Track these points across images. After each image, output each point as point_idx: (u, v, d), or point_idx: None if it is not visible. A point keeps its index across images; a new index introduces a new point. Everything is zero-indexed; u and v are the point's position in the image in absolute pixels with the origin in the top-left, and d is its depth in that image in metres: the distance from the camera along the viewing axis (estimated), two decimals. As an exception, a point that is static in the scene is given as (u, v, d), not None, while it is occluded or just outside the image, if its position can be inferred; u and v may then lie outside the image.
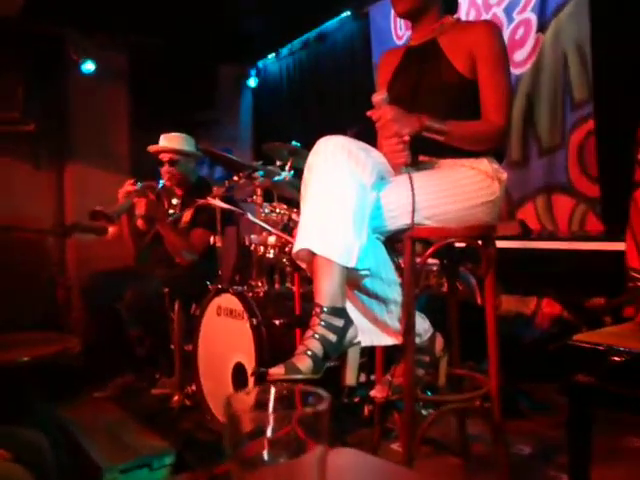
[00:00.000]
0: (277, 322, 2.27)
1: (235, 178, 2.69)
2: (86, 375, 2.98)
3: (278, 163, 2.79)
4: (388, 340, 1.73)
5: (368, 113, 1.60)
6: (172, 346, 2.80)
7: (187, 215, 3.13)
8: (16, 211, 4.41)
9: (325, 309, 1.46)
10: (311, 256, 1.50)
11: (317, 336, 1.44)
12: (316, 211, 1.49)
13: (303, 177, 1.60)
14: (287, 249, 2.46)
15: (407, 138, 1.58)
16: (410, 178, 1.58)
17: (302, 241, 1.49)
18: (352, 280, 1.62)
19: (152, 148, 3.23)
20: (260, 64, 5.60)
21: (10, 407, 2.23)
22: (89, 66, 4.58)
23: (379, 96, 1.59)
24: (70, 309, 4.40)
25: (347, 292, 1.61)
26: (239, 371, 2.34)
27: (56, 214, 4.64)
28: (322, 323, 1.45)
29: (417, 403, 1.72)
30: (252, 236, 2.53)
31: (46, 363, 2.22)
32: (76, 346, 2.32)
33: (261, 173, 2.59)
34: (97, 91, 4.67)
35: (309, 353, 1.42)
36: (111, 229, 2.85)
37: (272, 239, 2.48)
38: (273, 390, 0.55)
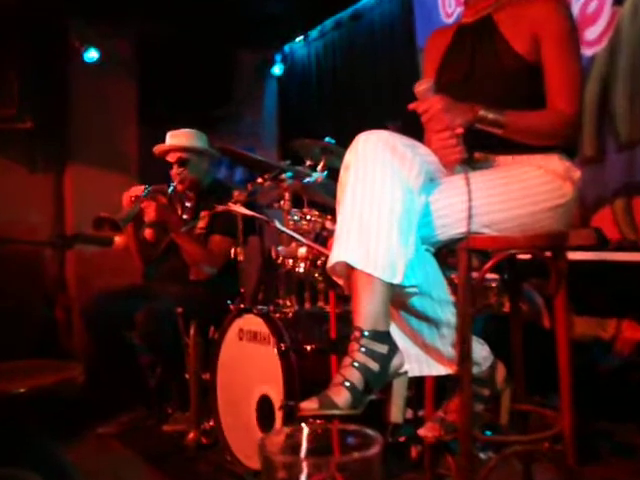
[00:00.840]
0: (309, 348, 2.27)
1: (259, 180, 2.71)
2: (90, 408, 3.02)
3: (308, 163, 2.81)
4: (440, 369, 1.72)
5: (411, 105, 1.60)
6: (187, 375, 2.82)
7: (203, 222, 3.16)
8: (8, 220, 4.49)
9: (366, 333, 1.46)
10: (349, 271, 1.50)
11: (357, 365, 1.44)
12: (355, 218, 1.50)
13: (339, 178, 1.60)
14: (320, 262, 2.47)
15: (460, 131, 1.58)
16: (466, 178, 1.57)
17: (338, 253, 1.50)
18: (398, 299, 1.61)
19: (158, 149, 3.28)
20: (286, 49, 5.63)
21: (3, 445, 2.27)
22: (92, 54, 4.66)
23: (423, 86, 1.59)
24: (70, 333, 4.47)
25: (392, 313, 1.61)
26: (265, 405, 2.35)
27: (54, 223, 4.72)
28: (362, 349, 1.45)
29: (475, 444, 1.69)
30: (279, 247, 2.54)
31: (45, 395, 2.25)
32: (79, 375, 2.35)
33: (289, 174, 2.60)
34: (101, 84, 4.74)
35: (347, 384, 1.42)
36: (117, 239, 2.91)
37: (302, 251, 2.49)
38: (306, 429, 0.55)
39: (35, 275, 4.57)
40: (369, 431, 0.52)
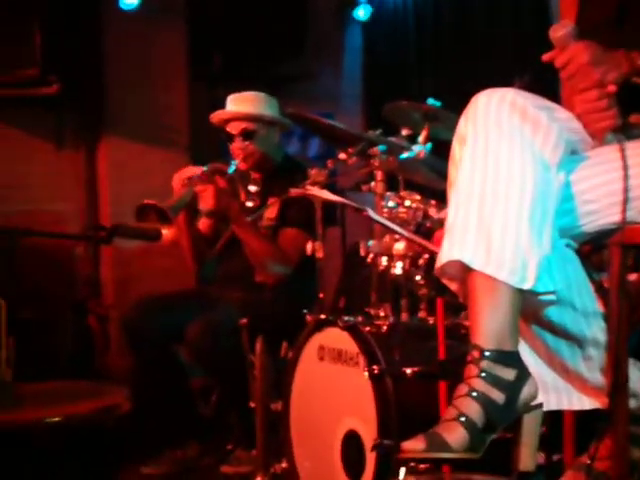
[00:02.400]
0: (409, 371, 2.25)
1: (341, 156, 2.72)
2: (133, 442, 3.11)
3: (406, 132, 2.79)
4: (584, 402, 1.70)
5: (546, 56, 1.58)
6: (252, 404, 2.86)
7: (271, 210, 3.20)
8: (30, 208, 4.65)
9: (487, 354, 1.46)
10: (465, 272, 1.51)
11: (475, 394, 1.44)
12: (472, 204, 1.50)
13: (451, 152, 1.60)
14: (422, 261, 2.46)
15: (613, 88, 1.56)
16: (620, 150, 1.54)
17: (451, 250, 1.50)
18: (529, 310, 1.59)
19: (217, 116, 3.32)
20: (374, -15, 5.63)
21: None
22: (131, -2, 4.75)
23: (561, 30, 1.57)
24: (107, 347, 4.61)
25: (521, 328, 1.59)
26: (352, 444, 2.35)
27: (86, 212, 4.86)
28: (483, 375, 1.45)
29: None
30: (370, 242, 2.54)
31: (83, 425, 2.35)
32: (123, 402, 2.44)
33: (382, 147, 2.60)
34: (142, 35, 4.81)
35: (463, 420, 1.43)
36: (166, 232, 2.97)
37: (399, 246, 2.48)
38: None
39: (63, 276, 4.70)
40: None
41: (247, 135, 3.24)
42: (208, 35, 4.91)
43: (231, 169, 3.17)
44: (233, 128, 3.27)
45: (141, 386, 3.15)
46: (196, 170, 3.06)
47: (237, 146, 3.25)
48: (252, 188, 3.30)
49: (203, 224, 3.31)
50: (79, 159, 4.88)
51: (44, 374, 3.20)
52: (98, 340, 4.53)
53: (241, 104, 3.29)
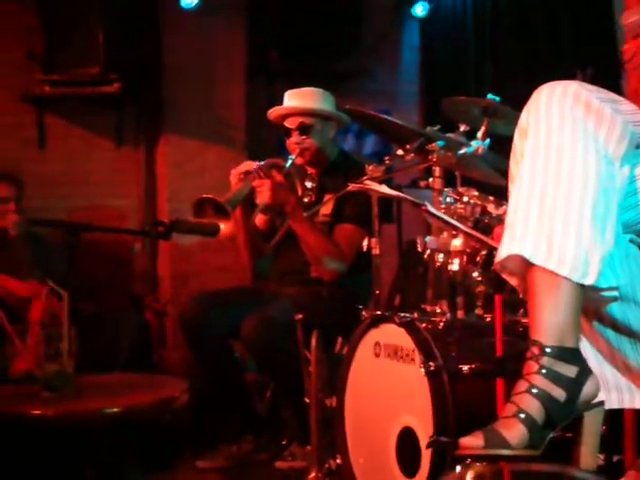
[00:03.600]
0: (466, 368, 2.24)
1: (399, 152, 2.71)
2: (189, 436, 3.14)
3: (464, 128, 2.77)
4: (648, 401, 1.66)
5: (627, 48, 1.55)
6: (306, 400, 2.86)
7: (327, 206, 3.20)
8: (90, 204, 4.78)
9: (548, 350, 1.45)
10: (525, 268, 1.49)
11: (535, 391, 1.43)
12: (534, 198, 1.48)
13: (512, 147, 1.59)
14: (480, 258, 2.44)
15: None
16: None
17: (511, 244, 1.49)
18: (590, 306, 1.58)
19: (274, 112, 3.34)
20: (432, -18, 5.59)
21: (91, 474, 2.42)
22: (191, -2, 4.78)
23: (634, 16, 1.54)
24: (163, 342, 4.67)
25: (583, 324, 1.57)
26: (408, 440, 2.34)
27: (144, 208, 4.97)
28: (543, 371, 1.44)
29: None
30: (427, 238, 2.52)
31: (141, 416, 2.37)
32: (182, 394, 2.46)
33: (440, 143, 2.58)
34: (202, 34, 4.87)
35: (522, 417, 1.42)
36: (224, 227, 2.97)
37: (457, 242, 2.47)
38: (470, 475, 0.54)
39: (122, 271, 4.80)
40: (577, 472, 0.51)
41: (304, 129, 3.25)
42: (266, 32, 4.95)
43: (288, 163, 3.18)
44: (290, 123, 3.28)
45: (197, 381, 3.18)
46: (253, 165, 3.07)
47: (294, 140, 3.26)
48: (308, 184, 3.32)
49: (259, 219, 3.32)
50: (138, 157, 4.98)
51: (104, 366, 3.25)
52: (155, 334, 4.59)
53: (298, 99, 3.31)
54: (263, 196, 3.01)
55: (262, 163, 3.09)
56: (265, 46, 4.96)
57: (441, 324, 2.44)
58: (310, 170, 3.36)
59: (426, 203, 2.35)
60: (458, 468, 1.48)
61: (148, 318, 4.63)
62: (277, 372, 3.10)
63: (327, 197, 3.20)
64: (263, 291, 3.31)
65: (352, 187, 2.63)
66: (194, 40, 4.87)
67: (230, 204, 2.82)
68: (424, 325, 2.38)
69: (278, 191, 3.01)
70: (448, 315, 2.52)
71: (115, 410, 2.34)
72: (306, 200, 3.31)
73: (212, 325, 3.15)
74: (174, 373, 4.20)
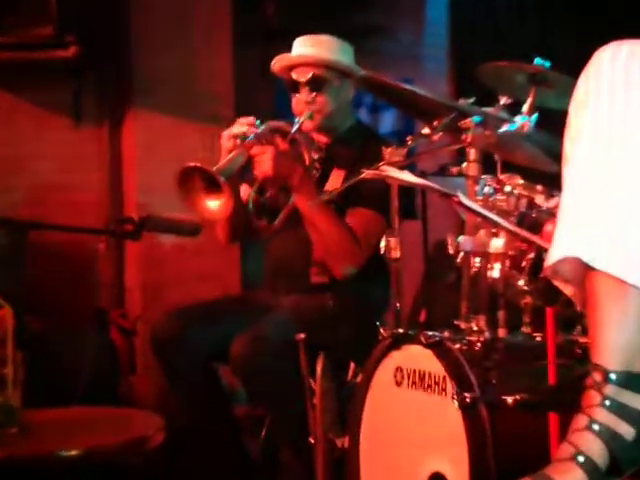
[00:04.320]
0: (510, 400, 2.21)
1: (424, 131, 2.70)
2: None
3: (505, 101, 2.76)
4: None
5: None
6: (311, 439, 2.86)
7: (334, 182, 3.14)
8: (43, 196, 4.76)
9: (613, 376, 1.45)
10: (583, 273, 1.50)
11: (597, 428, 1.44)
12: (594, 189, 1.49)
13: (567, 124, 1.58)
14: (526, 262, 2.43)
15: None
16: None
17: (565, 244, 1.50)
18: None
19: (279, 62, 3.26)
20: None
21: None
22: None
23: None
24: (133, 366, 4.66)
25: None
26: (438, 490, 2.34)
27: (109, 201, 4.95)
28: (607, 403, 1.44)
29: None
30: (460, 238, 2.51)
31: (107, 460, 2.36)
32: (156, 433, 2.45)
33: (476, 120, 2.57)
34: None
35: (581, 460, 1.42)
36: (215, 205, 2.89)
37: (498, 243, 2.46)
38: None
39: (81, 280, 4.79)
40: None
41: (317, 84, 3.20)
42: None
43: (295, 127, 3.14)
44: (299, 75, 3.22)
45: (175, 414, 3.17)
46: (250, 126, 3.03)
47: (303, 98, 3.21)
48: (314, 155, 3.28)
49: (246, 194, 3.21)
50: (101, 137, 4.97)
51: (59, 398, 3.24)
52: (122, 358, 4.58)
53: (311, 47, 3.26)
54: (263, 167, 2.96)
55: (263, 125, 3.05)
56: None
57: (478, 345, 2.42)
58: (318, 138, 3.34)
59: (459, 194, 2.34)
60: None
61: (113, 337, 4.63)
62: (274, 405, 3.09)
63: (336, 173, 3.19)
64: (254, 302, 3.31)
65: (367, 174, 2.61)
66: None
67: (223, 175, 2.78)
68: (457, 346, 2.38)
69: (281, 161, 2.97)
70: (487, 334, 2.49)
71: (72, 453, 2.33)
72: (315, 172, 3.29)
73: (192, 347, 3.14)
74: (146, 406, 4.20)
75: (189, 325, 3.17)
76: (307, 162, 3.24)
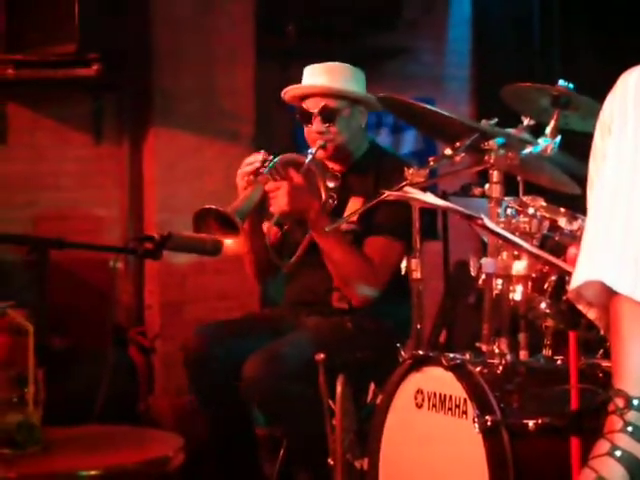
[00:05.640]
0: (532, 424, 2.22)
1: (446, 152, 2.71)
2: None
3: (527, 122, 2.76)
4: None
5: None
6: (330, 461, 2.85)
7: (352, 211, 3.15)
8: (63, 213, 4.79)
9: (635, 402, 1.45)
10: (607, 297, 1.50)
11: (619, 454, 1.44)
12: (620, 213, 1.49)
13: (592, 146, 1.57)
14: (548, 285, 2.43)
15: None
16: None
17: (589, 268, 1.50)
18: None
19: (291, 91, 3.29)
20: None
21: None
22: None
23: None
24: (152, 386, 4.66)
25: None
26: (458, 513, 2.34)
27: (129, 219, 4.97)
28: (629, 429, 1.45)
29: None
30: (483, 260, 2.51)
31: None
32: (177, 454, 2.45)
33: (499, 141, 2.58)
34: (201, 3, 4.86)
35: (602, 487, 1.42)
36: (231, 243, 2.95)
37: (520, 266, 2.46)
38: None
39: (100, 298, 4.75)
40: None
41: (328, 115, 3.21)
42: (280, 1, 4.96)
43: (308, 158, 3.15)
44: (311, 106, 3.24)
45: (197, 434, 3.17)
46: (260, 160, 3.05)
47: (315, 129, 3.22)
48: (329, 184, 3.27)
49: (270, 231, 3.26)
50: (121, 155, 4.99)
51: (78, 416, 3.24)
52: (141, 376, 4.58)
53: (322, 75, 3.26)
54: (279, 203, 2.99)
55: (276, 159, 3.06)
56: (279, 19, 4.96)
57: (500, 368, 2.41)
58: (332, 166, 3.34)
59: (483, 216, 2.35)
60: None
61: (132, 356, 4.63)
62: (290, 426, 3.08)
63: (353, 200, 3.20)
64: (275, 320, 3.30)
65: (388, 194, 2.61)
66: (191, 12, 4.86)
67: (239, 215, 2.81)
68: (478, 369, 2.37)
69: (297, 196, 2.99)
70: (508, 356, 2.49)
71: (92, 473, 2.33)
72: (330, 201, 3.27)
73: (213, 365, 3.13)
74: (164, 426, 4.19)
75: (210, 343, 3.16)
76: (323, 192, 3.24)
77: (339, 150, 3.28)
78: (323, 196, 3.24)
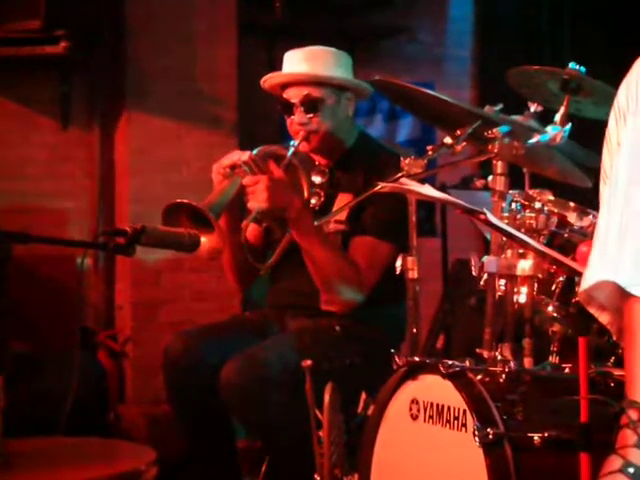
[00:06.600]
0: (537, 437, 2.22)
1: (446, 140, 2.70)
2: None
3: (534, 108, 2.76)
4: None
5: None
6: (316, 476, 2.85)
7: (340, 210, 3.15)
8: (26, 205, 4.78)
9: None
10: (620, 299, 1.51)
11: (632, 471, 1.45)
12: (633, 206, 1.49)
13: (606, 134, 1.57)
14: (556, 286, 2.44)
15: None
16: None
17: (601, 268, 1.51)
18: None
19: (270, 80, 3.29)
20: None
21: None
22: None
23: None
24: (123, 393, 4.65)
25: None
26: (457, 535, 2.34)
27: (98, 211, 4.97)
28: None
29: None
30: (485, 259, 2.51)
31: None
32: (149, 468, 2.44)
33: (504, 129, 2.58)
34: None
35: (615, 505, 1.43)
36: (205, 241, 2.95)
37: (525, 265, 2.46)
38: None
39: (67, 298, 4.77)
40: None
41: (311, 105, 3.20)
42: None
43: (290, 151, 3.15)
44: (292, 95, 3.24)
45: (171, 447, 3.17)
46: (242, 156, 3.05)
47: (297, 120, 3.21)
48: (316, 179, 3.28)
49: (251, 229, 3.28)
50: (91, 141, 5.00)
51: (42, 427, 3.23)
52: (111, 383, 4.58)
53: (303, 63, 3.25)
54: (257, 199, 2.97)
55: (255, 152, 3.06)
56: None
57: (502, 376, 2.40)
58: (318, 160, 3.35)
59: (485, 210, 2.34)
60: None
61: (101, 361, 4.63)
62: (272, 439, 3.07)
63: (341, 197, 3.20)
64: (261, 323, 3.30)
65: (383, 186, 2.60)
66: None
67: (213, 211, 2.81)
68: (479, 377, 2.37)
69: (277, 191, 2.98)
70: (512, 364, 2.48)
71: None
72: (313, 201, 3.28)
73: (189, 370, 3.12)
74: (136, 437, 4.19)
75: (202, 347, 3.15)
76: (306, 189, 3.25)
77: (324, 142, 3.26)
78: (305, 193, 3.24)
